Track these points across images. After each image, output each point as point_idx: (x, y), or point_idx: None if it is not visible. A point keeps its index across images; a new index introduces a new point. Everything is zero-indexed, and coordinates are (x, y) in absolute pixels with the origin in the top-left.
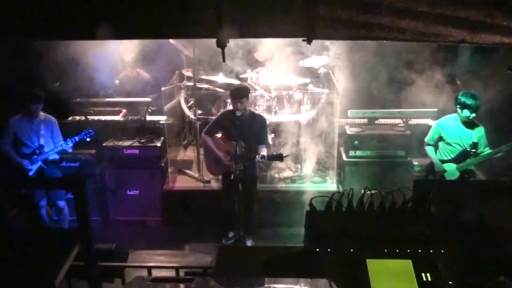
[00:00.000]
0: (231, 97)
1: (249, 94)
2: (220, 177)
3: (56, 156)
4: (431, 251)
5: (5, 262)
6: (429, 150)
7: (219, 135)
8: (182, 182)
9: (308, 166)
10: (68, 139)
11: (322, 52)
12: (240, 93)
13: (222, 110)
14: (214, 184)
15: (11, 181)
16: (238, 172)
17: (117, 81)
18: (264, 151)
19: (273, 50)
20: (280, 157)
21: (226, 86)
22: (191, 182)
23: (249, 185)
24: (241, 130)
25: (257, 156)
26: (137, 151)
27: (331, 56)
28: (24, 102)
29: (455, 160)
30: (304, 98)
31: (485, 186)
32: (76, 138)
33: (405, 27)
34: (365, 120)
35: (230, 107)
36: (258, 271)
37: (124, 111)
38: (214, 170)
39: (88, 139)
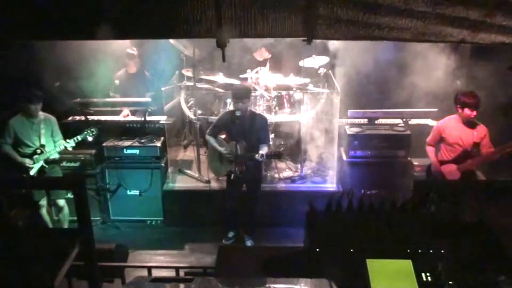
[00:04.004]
0: (233, 97)
1: (251, 95)
2: (220, 177)
3: (57, 155)
4: (431, 251)
5: (5, 262)
6: (429, 150)
7: (222, 136)
8: (182, 182)
9: (308, 166)
10: (70, 139)
11: (322, 52)
12: (243, 93)
13: (222, 111)
14: (214, 184)
15: (11, 181)
16: (239, 172)
17: (117, 81)
18: (265, 150)
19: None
20: (279, 155)
21: (226, 86)
22: (191, 182)
23: (252, 186)
24: (242, 130)
25: (257, 155)
26: (137, 151)
27: (331, 56)
28: (23, 103)
29: (456, 160)
30: (304, 98)
31: (485, 186)
32: (79, 137)
33: (405, 27)
34: (365, 120)
35: (230, 107)
36: (258, 271)
37: (126, 111)
38: (218, 170)
39: (90, 139)
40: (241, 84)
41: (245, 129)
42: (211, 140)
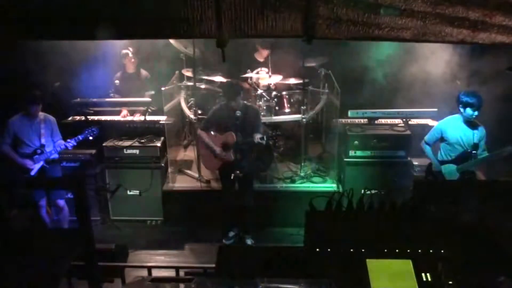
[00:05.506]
0: (234, 94)
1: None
2: (212, 171)
3: (57, 155)
4: (431, 251)
5: (5, 262)
6: (427, 149)
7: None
8: (182, 182)
9: (308, 166)
10: (71, 139)
11: (322, 52)
12: (236, 90)
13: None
14: (214, 184)
15: (11, 181)
16: (237, 166)
17: (117, 81)
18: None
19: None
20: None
21: None
22: (191, 182)
23: (245, 181)
24: (237, 123)
25: (256, 137)
26: (137, 151)
27: (331, 56)
28: (23, 104)
29: (456, 161)
30: (304, 98)
31: (485, 186)
32: (80, 137)
33: (405, 27)
34: (365, 120)
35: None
36: (258, 271)
37: (124, 111)
38: (212, 164)
39: (91, 138)
40: (230, 81)
41: (240, 121)
42: (204, 136)
